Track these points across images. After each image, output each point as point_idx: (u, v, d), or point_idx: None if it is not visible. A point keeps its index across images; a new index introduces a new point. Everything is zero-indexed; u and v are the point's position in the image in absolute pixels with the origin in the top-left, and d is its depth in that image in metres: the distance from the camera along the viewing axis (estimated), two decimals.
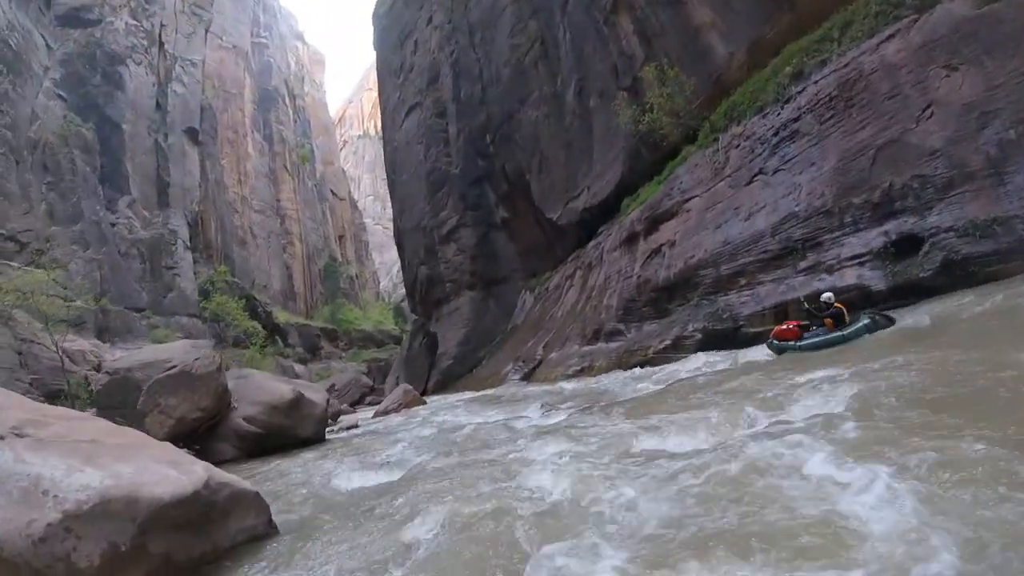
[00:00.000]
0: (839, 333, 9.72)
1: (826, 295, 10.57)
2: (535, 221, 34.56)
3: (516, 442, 7.62)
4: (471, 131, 38.41)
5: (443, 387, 34.71)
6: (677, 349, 14.21)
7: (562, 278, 29.25)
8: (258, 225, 62.29)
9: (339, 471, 8.29)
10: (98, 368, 25.02)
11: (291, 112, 73.31)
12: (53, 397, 24.18)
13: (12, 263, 30.61)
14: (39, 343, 24.42)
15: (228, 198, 58.24)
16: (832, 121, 12.67)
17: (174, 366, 13.34)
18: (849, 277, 11.41)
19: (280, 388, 14.41)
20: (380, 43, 50.52)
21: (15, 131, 32.97)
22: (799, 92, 14.06)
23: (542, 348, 23.92)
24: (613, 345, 17.45)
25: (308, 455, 11.13)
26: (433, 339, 37.65)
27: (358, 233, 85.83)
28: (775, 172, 13.86)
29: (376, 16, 50.70)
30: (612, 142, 25.54)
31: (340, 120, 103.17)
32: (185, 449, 14.23)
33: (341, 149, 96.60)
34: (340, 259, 76.99)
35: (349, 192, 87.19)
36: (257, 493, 5.34)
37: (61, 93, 36.48)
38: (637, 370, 14.41)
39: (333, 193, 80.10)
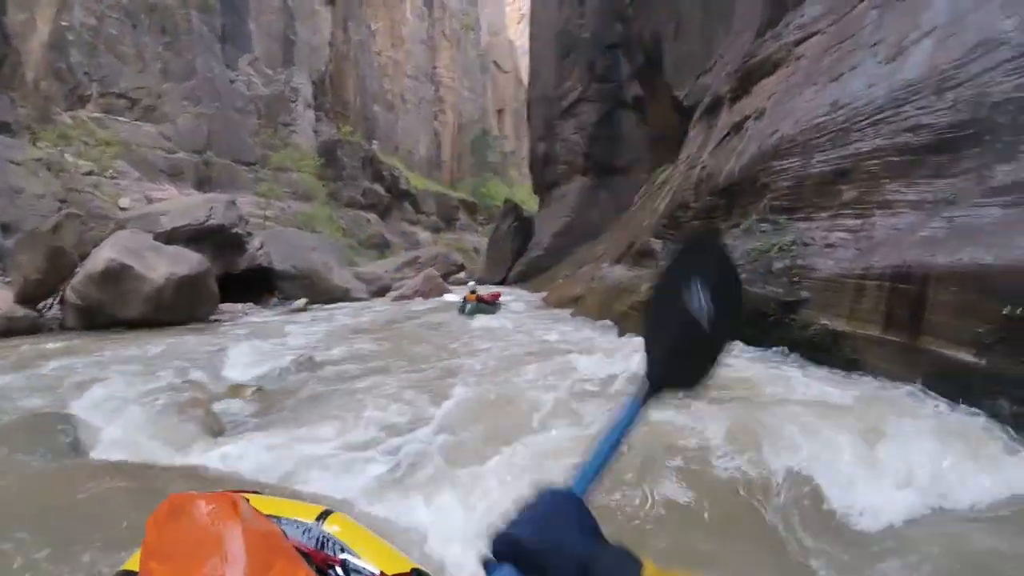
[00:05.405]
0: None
1: (471, 284, 14.49)
2: (672, 103, 25.56)
3: None
4: None
5: (525, 279, 28.58)
6: None
7: (671, 172, 21.17)
8: (410, 91, 57.43)
9: None
10: None
11: None
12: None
13: (121, 118, 30.19)
14: (88, 192, 22.00)
15: (379, 61, 53.58)
16: None
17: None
18: None
19: (100, 256, 11.49)
20: None
21: None
22: None
23: (597, 258, 16.87)
24: (629, 273, 10.05)
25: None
26: (526, 224, 31.34)
27: (520, 109, 78.41)
28: None
29: None
30: None
31: None
32: (39, 311, 11.66)
33: (519, 23, 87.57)
34: (496, 133, 70.77)
35: (515, 66, 79.04)
36: None
37: None
38: (586, 334, 7.21)
39: (497, 65, 72.69)
